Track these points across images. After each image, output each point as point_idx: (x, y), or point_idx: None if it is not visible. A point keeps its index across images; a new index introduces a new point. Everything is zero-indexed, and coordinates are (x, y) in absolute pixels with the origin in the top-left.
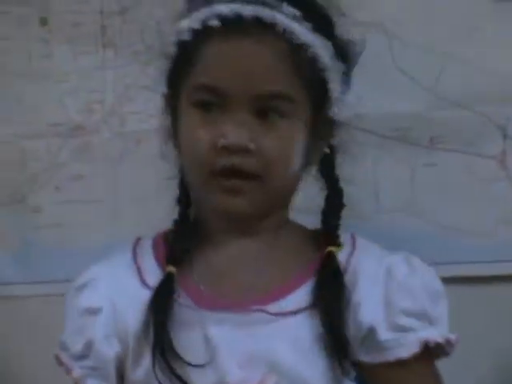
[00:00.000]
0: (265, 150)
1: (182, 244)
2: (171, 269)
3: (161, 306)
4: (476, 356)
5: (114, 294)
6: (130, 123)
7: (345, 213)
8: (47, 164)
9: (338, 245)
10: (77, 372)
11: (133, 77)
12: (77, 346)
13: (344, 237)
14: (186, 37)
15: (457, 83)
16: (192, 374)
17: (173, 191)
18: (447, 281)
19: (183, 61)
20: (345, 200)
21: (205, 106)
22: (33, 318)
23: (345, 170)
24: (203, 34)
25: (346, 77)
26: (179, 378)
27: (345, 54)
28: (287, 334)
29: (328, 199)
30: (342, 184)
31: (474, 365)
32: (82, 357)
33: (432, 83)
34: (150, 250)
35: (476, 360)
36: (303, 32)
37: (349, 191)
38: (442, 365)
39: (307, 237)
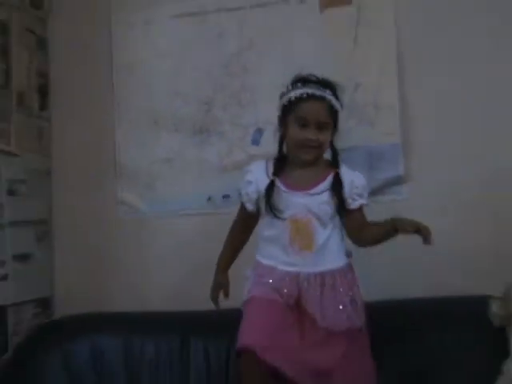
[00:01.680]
0: (320, 139)
1: (278, 166)
2: (273, 178)
3: (269, 188)
4: None
5: (258, 178)
6: None
7: None
8: None
9: (338, 168)
10: (243, 198)
11: None
12: (243, 192)
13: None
14: (293, 99)
15: None
16: (282, 213)
17: None
18: None
19: (290, 107)
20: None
21: (301, 124)
22: None
23: None
24: (299, 98)
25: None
26: (277, 209)
27: (340, 102)
28: (318, 200)
29: (332, 154)
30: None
31: None
32: (245, 196)
33: None
34: (271, 163)
35: None
36: (332, 99)
37: None
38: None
39: (327, 164)
